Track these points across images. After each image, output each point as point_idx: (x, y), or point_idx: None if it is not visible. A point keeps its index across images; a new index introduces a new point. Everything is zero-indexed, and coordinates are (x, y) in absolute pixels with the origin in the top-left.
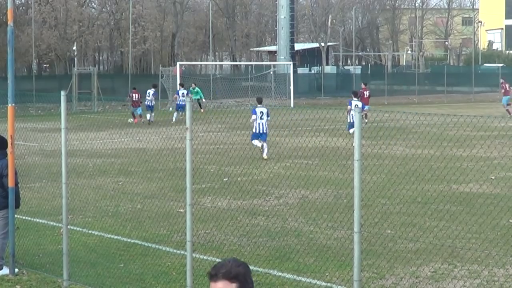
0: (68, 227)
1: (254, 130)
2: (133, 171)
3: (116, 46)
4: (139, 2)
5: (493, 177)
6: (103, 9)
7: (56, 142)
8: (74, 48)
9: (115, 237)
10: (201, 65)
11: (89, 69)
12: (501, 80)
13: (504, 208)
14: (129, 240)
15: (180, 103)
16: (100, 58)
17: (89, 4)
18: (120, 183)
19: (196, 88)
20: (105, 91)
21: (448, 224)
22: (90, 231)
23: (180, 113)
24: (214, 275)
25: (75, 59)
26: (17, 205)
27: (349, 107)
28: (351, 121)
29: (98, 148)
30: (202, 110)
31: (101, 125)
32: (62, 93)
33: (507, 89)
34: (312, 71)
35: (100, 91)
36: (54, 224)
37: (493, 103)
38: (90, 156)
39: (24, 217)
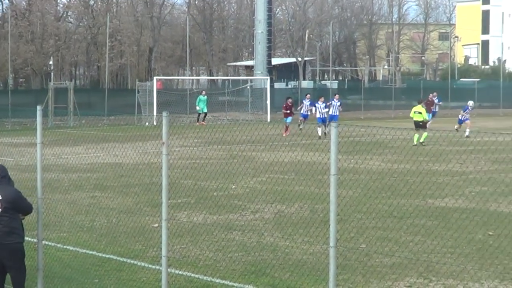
0: (43, 242)
1: None
2: (109, 186)
3: (93, 60)
4: (116, 17)
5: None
6: (80, 24)
7: (32, 157)
8: (51, 62)
9: (90, 252)
10: (178, 79)
11: (66, 83)
12: (431, 95)
13: (480, 222)
14: (104, 255)
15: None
16: (77, 72)
17: (66, 19)
18: (96, 198)
19: (205, 97)
20: (82, 106)
21: (423, 238)
22: (65, 246)
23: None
24: None
25: (52, 73)
26: None
27: (304, 102)
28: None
29: (74, 163)
30: (199, 123)
31: (77, 139)
32: (38, 107)
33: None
34: (289, 86)
35: (76, 105)
36: (29, 239)
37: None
38: (65, 171)
39: None
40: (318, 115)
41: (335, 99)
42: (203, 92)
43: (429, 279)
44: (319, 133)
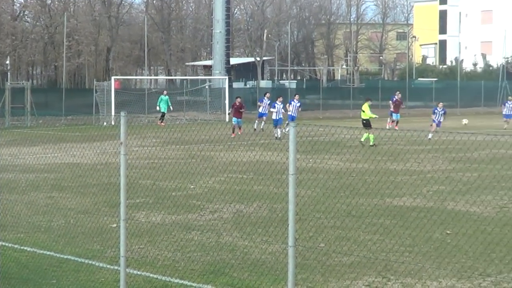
0: (0, 243)
1: None
2: (67, 186)
3: (50, 60)
4: (73, 16)
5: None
6: (37, 23)
7: None
8: (7, 62)
9: (48, 252)
10: (136, 79)
11: (23, 83)
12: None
13: (437, 221)
14: (62, 256)
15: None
16: (34, 72)
17: (23, 18)
18: (53, 199)
19: (167, 97)
20: (39, 106)
21: (382, 237)
22: (22, 247)
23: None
24: None
25: (8, 73)
26: None
27: (259, 103)
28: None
29: (31, 163)
30: (159, 123)
31: (35, 140)
32: None
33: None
34: (248, 86)
35: (33, 105)
36: None
37: (427, 117)
38: (23, 171)
39: None
40: (274, 117)
41: (295, 100)
42: (165, 92)
43: (388, 278)
44: (278, 134)
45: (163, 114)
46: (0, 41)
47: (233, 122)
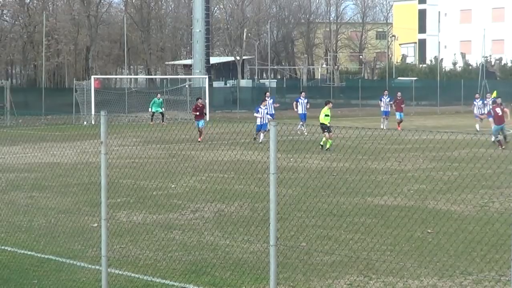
0: None
1: None
2: (47, 185)
3: (29, 59)
4: (52, 15)
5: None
6: (16, 22)
7: None
8: None
9: (29, 252)
10: (116, 78)
11: (2, 82)
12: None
13: (418, 220)
14: (43, 255)
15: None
16: (13, 71)
17: (1, 17)
18: (34, 198)
19: (161, 99)
20: (18, 105)
21: (363, 236)
22: (2, 247)
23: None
24: None
25: None
26: None
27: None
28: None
29: (11, 162)
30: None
31: (14, 139)
32: None
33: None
34: (228, 85)
35: (13, 105)
36: None
37: (406, 116)
38: (2, 171)
39: None
40: (259, 122)
41: (301, 97)
42: (158, 95)
43: (369, 276)
44: (261, 138)
45: (153, 114)
46: None
47: (198, 126)
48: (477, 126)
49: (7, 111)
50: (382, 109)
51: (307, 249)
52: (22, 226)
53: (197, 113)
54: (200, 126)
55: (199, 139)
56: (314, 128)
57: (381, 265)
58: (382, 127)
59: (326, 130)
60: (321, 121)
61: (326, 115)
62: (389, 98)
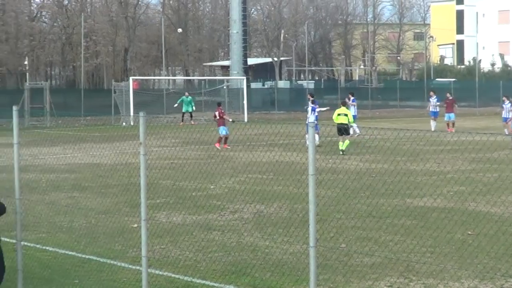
0: (22, 243)
1: None
2: (87, 186)
3: (68, 60)
4: (90, 17)
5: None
6: (55, 24)
7: (9, 157)
8: (26, 62)
9: (70, 252)
10: (154, 80)
11: (41, 83)
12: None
13: (458, 222)
14: (83, 256)
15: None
16: (52, 72)
17: (40, 19)
18: (74, 199)
19: (189, 97)
20: (58, 106)
21: (403, 238)
22: (44, 247)
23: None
24: None
25: (27, 73)
26: None
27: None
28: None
29: (51, 163)
30: (183, 123)
31: (54, 140)
32: (14, 108)
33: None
34: (266, 86)
35: (52, 106)
36: (8, 240)
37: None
38: (43, 172)
39: None
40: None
41: (350, 97)
42: (186, 94)
43: (410, 278)
44: (317, 140)
45: (183, 114)
46: (18, 41)
47: (222, 133)
48: (506, 131)
49: (47, 112)
50: (430, 109)
51: (346, 250)
52: (63, 226)
53: (220, 119)
54: (226, 133)
55: (217, 145)
56: (352, 129)
57: (421, 267)
58: (432, 129)
59: (344, 133)
60: (342, 122)
61: (344, 115)
62: (436, 99)
